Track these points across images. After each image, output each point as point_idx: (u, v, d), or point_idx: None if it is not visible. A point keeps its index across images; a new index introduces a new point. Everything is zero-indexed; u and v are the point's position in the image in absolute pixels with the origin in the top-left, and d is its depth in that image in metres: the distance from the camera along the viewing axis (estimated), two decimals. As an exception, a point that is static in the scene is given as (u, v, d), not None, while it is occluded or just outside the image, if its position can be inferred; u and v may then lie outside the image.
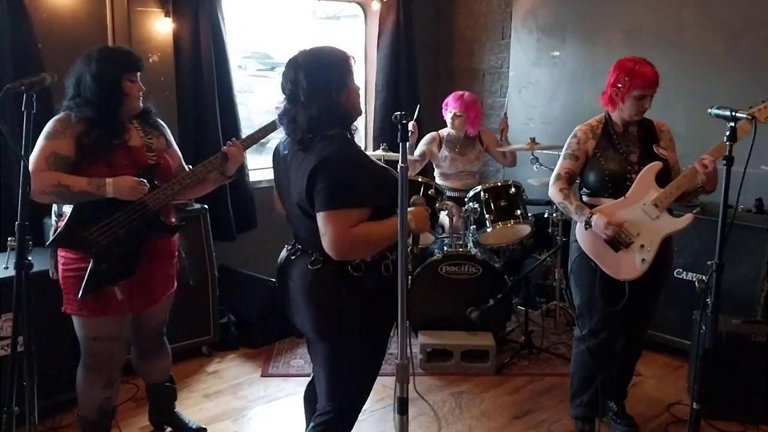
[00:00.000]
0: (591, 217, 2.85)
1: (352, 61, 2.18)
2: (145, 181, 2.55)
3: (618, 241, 2.84)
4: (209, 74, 4.21)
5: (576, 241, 2.98)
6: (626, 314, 2.95)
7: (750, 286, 3.59)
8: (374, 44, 5.28)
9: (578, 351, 3.09)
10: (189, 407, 3.36)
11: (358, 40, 5.56)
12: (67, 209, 2.54)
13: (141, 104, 2.67)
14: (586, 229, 2.87)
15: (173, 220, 2.80)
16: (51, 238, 2.53)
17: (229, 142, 2.80)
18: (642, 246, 2.83)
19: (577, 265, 3.00)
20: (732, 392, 3.19)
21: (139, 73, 2.64)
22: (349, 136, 2.21)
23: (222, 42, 4.27)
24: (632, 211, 2.84)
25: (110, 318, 2.63)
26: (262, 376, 3.80)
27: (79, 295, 2.51)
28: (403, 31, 5.15)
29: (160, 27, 4.12)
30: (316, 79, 2.10)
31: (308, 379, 3.72)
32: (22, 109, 2.05)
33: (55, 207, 2.65)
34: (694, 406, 2.22)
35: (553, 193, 2.98)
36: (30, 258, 2.10)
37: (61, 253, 2.61)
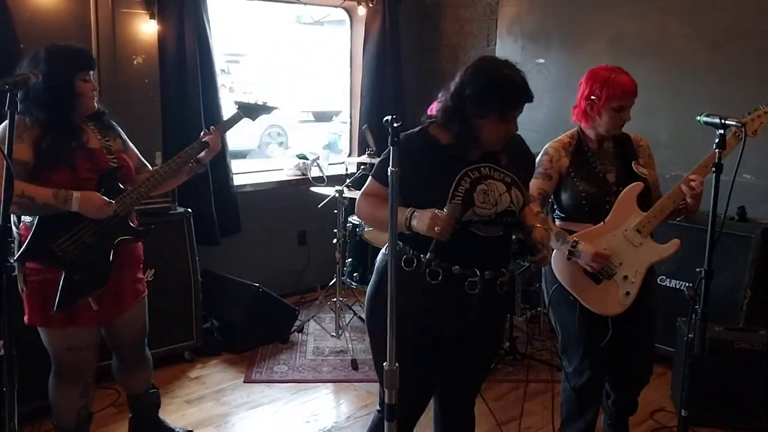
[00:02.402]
0: (576, 246, 2.56)
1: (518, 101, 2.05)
2: (112, 201, 2.45)
3: (600, 272, 2.60)
4: (194, 76, 4.18)
5: (551, 268, 2.70)
6: (617, 352, 2.72)
7: (733, 293, 3.62)
8: (360, 49, 5.28)
9: (566, 386, 2.84)
10: (171, 413, 3.31)
11: (343, 45, 5.56)
12: (29, 219, 2.44)
13: (96, 104, 2.56)
14: (569, 259, 2.59)
15: (136, 223, 2.70)
16: (19, 252, 2.39)
17: (205, 130, 2.75)
18: (625, 277, 2.59)
19: (555, 297, 2.71)
20: (715, 399, 3.20)
21: (92, 72, 2.52)
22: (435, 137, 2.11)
23: (207, 44, 4.25)
24: (613, 238, 2.58)
25: (81, 328, 2.55)
26: (245, 381, 3.76)
27: (54, 309, 2.41)
28: (389, 37, 5.15)
29: (145, 29, 4.08)
30: (464, 88, 2.06)
31: (291, 384, 3.74)
32: (6, 108, 2.01)
33: (14, 217, 2.46)
34: (683, 413, 2.22)
35: None
36: (11, 260, 2.05)
37: (27, 264, 2.47)
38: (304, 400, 3.59)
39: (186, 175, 2.77)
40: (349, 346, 4.17)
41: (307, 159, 5.08)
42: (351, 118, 5.60)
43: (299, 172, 5.07)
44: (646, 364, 2.93)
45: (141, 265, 2.78)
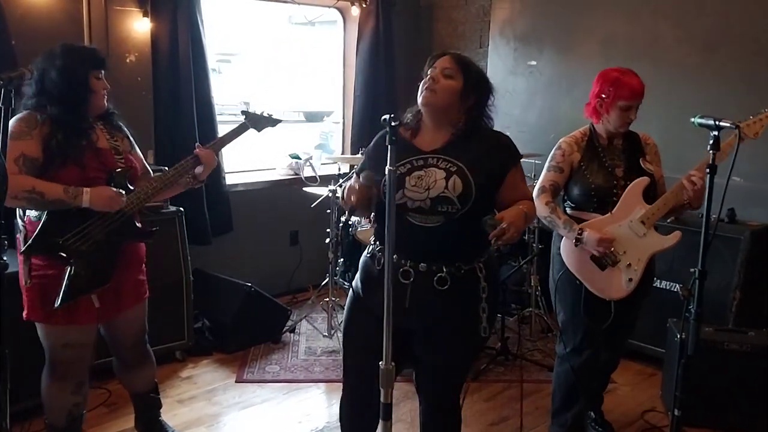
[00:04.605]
0: (582, 232, 2.74)
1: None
2: (123, 192, 2.48)
3: (605, 259, 2.76)
4: (187, 75, 4.18)
5: (560, 254, 2.88)
6: (609, 330, 2.86)
7: (722, 294, 3.64)
8: (353, 49, 5.29)
9: (561, 369, 3.00)
10: (163, 413, 3.26)
11: (335, 45, 5.56)
12: (34, 213, 2.45)
13: (106, 103, 2.59)
14: (576, 245, 2.76)
15: (141, 224, 2.71)
16: (25, 245, 2.42)
17: (197, 144, 2.72)
18: (629, 265, 2.75)
19: (561, 281, 2.90)
20: (704, 399, 3.21)
21: (103, 71, 2.55)
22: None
23: (200, 43, 4.24)
24: (618, 228, 2.75)
25: (81, 326, 2.55)
26: (236, 381, 3.75)
27: (57, 304, 2.42)
28: (383, 37, 5.16)
29: (138, 27, 4.07)
30: None
31: (283, 384, 3.74)
32: (0, 103, 1.99)
33: (19, 211, 2.50)
34: (676, 412, 2.23)
35: (538, 206, 2.76)
36: (5, 258, 2.04)
37: (32, 259, 2.48)
38: (296, 400, 3.58)
39: (182, 187, 2.76)
40: (341, 346, 4.16)
41: (300, 158, 5.08)
42: (344, 118, 5.60)
43: (292, 172, 5.06)
44: (619, 352, 3.17)
45: (143, 266, 2.78)
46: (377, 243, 2.26)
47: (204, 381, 3.75)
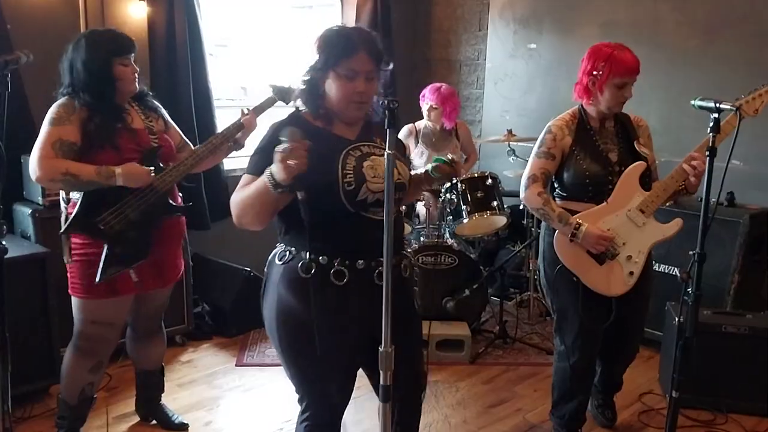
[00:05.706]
0: (579, 227, 2.57)
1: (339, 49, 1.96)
2: (152, 168, 2.56)
3: (603, 252, 2.61)
4: (184, 60, 4.14)
5: (552, 248, 2.70)
6: (616, 324, 2.73)
7: (720, 277, 3.66)
8: (351, 33, 5.24)
9: (559, 365, 2.89)
10: (163, 396, 3.31)
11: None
12: (75, 195, 2.54)
13: (137, 86, 2.64)
14: (572, 241, 2.59)
15: (179, 200, 2.82)
16: (65, 225, 2.52)
17: (243, 110, 2.86)
18: (629, 257, 2.59)
19: (556, 278, 2.72)
20: (702, 381, 3.23)
21: (132, 55, 2.59)
22: (309, 114, 2.04)
23: (197, 28, 4.21)
24: (615, 218, 2.59)
25: (116, 300, 2.63)
26: (236, 365, 3.77)
27: (98, 279, 2.51)
28: (381, 21, 5.12)
29: (134, 11, 4.03)
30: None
31: (283, 368, 3.74)
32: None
33: (62, 193, 2.64)
34: (674, 394, 2.24)
35: (529, 197, 2.64)
36: (4, 243, 2.05)
37: (72, 238, 2.59)
38: (296, 383, 3.60)
39: (224, 154, 2.89)
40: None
41: (298, 143, 5.06)
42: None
43: (290, 157, 5.04)
44: (635, 342, 3.03)
45: (181, 242, 2.88)
46: (323, 257, 1.96)
47: (204, 365, 3.76)
